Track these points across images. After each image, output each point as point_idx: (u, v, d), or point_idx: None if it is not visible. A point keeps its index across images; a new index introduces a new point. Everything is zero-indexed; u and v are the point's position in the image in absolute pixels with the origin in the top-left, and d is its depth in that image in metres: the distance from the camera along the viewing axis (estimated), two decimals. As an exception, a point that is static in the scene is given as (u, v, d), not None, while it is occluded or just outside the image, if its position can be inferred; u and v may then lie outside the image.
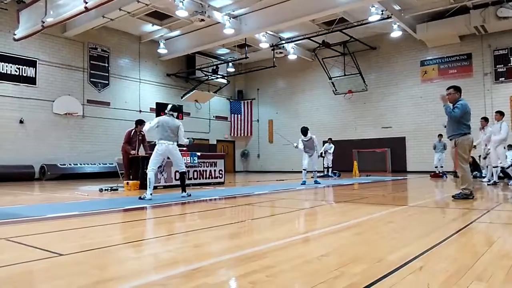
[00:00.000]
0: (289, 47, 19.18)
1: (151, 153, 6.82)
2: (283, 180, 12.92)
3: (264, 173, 20.46)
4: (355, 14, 15.90)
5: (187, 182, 8.77)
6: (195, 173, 10.06)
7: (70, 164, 14.98)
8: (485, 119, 9.92)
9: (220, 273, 2.21)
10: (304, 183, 9.90)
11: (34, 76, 14.76)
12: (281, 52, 19.18)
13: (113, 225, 4.31)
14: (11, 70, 14.15)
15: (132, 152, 9.25)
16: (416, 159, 18.17)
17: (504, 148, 9.15)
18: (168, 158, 7.10)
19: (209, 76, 20.72)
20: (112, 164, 14.02)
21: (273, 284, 1.96)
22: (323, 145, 15.72)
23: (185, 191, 6.73)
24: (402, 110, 18.75)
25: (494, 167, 9.36)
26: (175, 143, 6.72)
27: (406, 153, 18.57)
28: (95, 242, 3.07)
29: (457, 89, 6.00)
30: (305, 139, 10.07)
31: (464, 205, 5.16)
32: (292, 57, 19.93)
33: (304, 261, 2.37)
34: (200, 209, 5.41)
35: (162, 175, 9.07)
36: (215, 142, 22.60)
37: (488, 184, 9.26)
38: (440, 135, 13.88)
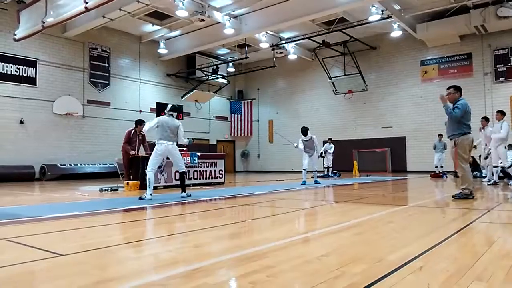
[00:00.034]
0: (289, 47, 19.17)
1: (151, 153, 6.83)
2: (283, 180, 12.92)
3: (264, 173, 20.46)
4: (355, 14, 15.89)
5: (187, 182, 8.79)
6: (195, 173, 10.06)
7: (70, 164, 14.99)
8: (486, 119, 9.91)
9: (220, 273, 2.21)
10: (304, 183, 9.90)
11: (34, 76, 14.77)
12: (281, 52, 19.18)
13: (113, 225, 4.31)
14: (11, 71, 14.16)
15: (132, 152, 9.25)
16: (416, 159, 18.17)
17: (505, 148, 9.14)
18: (168, 158, 7.11)
19: (209, 76, 20.73)
20: (112, 164, 14.03)
21: (273, 284, 1.96)
22: (323, 145, 15.73)
23: (185, 191, 6.73)
24: (402, 110, 18.75)
25: (494, 167, 9.36)
26: (175, 143, 6.72)
27: (406, 153, 18.57)
28: (96, 242, 3.08)
29: (457, 89, 5.99)
30: (305, 139, 10.07)
31: (464, 205, 5.16)
32: (292, 57, 19.93)
33: (304, 261, 2.38)
34: (200, 209, 5.41)
35: (162, 175, 9.07)
36: (215, 142, 22.61)
37: (488, 184, 9.25)
38: (440, 135, 13.88)
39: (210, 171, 10.49)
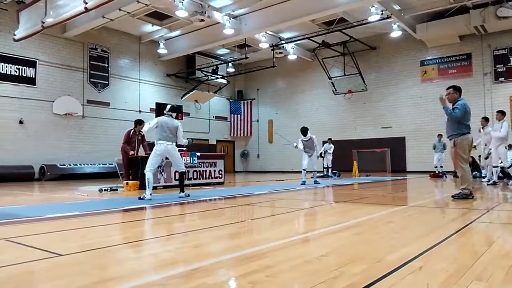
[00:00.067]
0: (289, 47, 19.18)
1: (151, 153, 6.82)
2: (282, 180, 12.92)
3: (263, 173, 20.46)
4: (355, 14, 15.90)
5: (187, 182, 8.79)
6: (195, 173, 10.06)
7: (70, 165, 14.98)
8: (486, 119, 9.92)
9: (219, 273, 2.21)
10: (303, 183, 9.90)
11: (34, 76, 14.76)
12: (281, 52, 19.18)
13: (113, 225, 4.31)
14: (11, 71, 14.15)
15: (131, 152, 9.24)
16: (415, 159, 18.17)
17: (506, 148, 9.15)
18: (167, 158, 7.10)
19: (209, 76, 20.73)
20: (112, 164, 14.03)
21: (273, 284, 1.96)
22: (323, 145, 15.73)
23: (183, 191, 6.72)
24: (402, 110, 18.76)
25: (494, 167, 9.37)
26: (174, 144, 6.72)
27: (406, 153, 18.57)
28: (95, 242, 3.07)
29: (457, 89, 5.99)
30: (305, 139, 10.07)
31: (464, 205, 5.17)
32: (292, 57, 19.94)
33: (304, 261, 2.38)
34: (199, 209, 5.41)
35: (162, 175, 9.07)
36: (214, 142, 22.61)
37: (487, 184, 9.26)
38: (440, 135, 13.88)
39: (210, 171, 10.49)
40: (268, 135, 23.37)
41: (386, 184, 10.65)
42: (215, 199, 6.72)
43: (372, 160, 19.02)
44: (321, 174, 14.74)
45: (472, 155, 9.97)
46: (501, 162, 9.24)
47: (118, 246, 3.07)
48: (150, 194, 6.36)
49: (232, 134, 23.81)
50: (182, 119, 16.74)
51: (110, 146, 15.72)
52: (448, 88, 6.07)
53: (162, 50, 18.48)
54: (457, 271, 2.13)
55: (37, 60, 14.90)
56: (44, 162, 14.47)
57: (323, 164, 16.10)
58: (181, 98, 19.84)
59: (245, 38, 17.29)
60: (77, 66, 16.17)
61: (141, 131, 8.91)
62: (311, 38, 17.88)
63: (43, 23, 11.72)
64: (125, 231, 3.89)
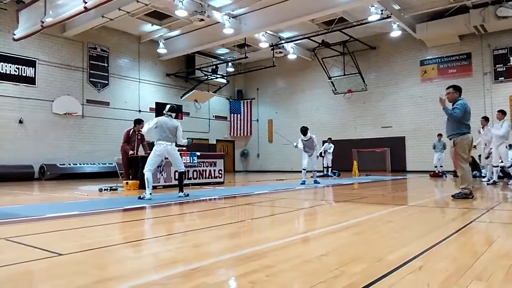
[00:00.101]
0: (289, 46, 19.17)
1: (150, 153, 6.82)
2: (282, 179, 12.92)
3: (263, 173, 20.46)
4: (354, 13, 15.90)
5: (187, 181, 8.79)
6: (195, 172, 10.05)
7: (69, 164, 14.98)
8: (486, 119, 9.92)
9: (219, 273, 2.21)
10: (303, 182, 9.90)
11: (33, 76, 14.76)
12: (280, 52, 19.17)
13: (113, 224, 4.31)
14: (10, 70, 14.14)
15: (131, 152, 9.24)
16: (415, 159, 18.17)
17: (506, 147, 9.16)
18: (167, 158, 7.09)
19: (209, 76, 20.72)
20: (112, 164, 14.02)
21: (273, 283, 1.96)
22: (323, 145, 15.74)
23: (182, 191, 6.71)
24: (401, 109, 18.76)
25: (494, 166, 9.37)
26: (174, 144, 6.72)
27: (406, 153, 18.58)
28: (95, 241, 3.07)
29: (457, 89, 5.99)
30: (305, 139, 10.07)
31: (464, 205, 5.17)
32: (291, 56, 19.93)
33: (304, 261, 2.37)
34: (199, 209, 5.40)
35: (162, 175, 9.07)
36: (214, 142, 22.60)
37: (487, 184, 9.26)
38: (440, 135, 13.88)
39: (210, 170, 10.48)
40: (268, 135, 23.37)
41: (386, 183, 10.66)
42: (215, 199, 6.72)
43: (372, 160, 19.02)
44: (321, 173, 14.73)
45: (472, 154, 9.97)
46: (502, 162, 9.24)
47: (118, 246, 3.07)
48: (150, 194, 6.36)
49: (232, 134, 23.81)
50: (182, 118, 16.76)
51: (110, 145, 15.72)
52: (448, 88, 6.06)
53: (161, 50, 18.47)
54: (457, 270, 2.13)
55: (37, 60, 14.89)
56: (44, 161, 14.46)
57: (323, 164, 16.10)
58: (181, 97, 19.84)
59: (245, 38, 17.28)
60: (76, 66, 16.16)
61: (141, 131, 8.90)
62: (311, 38, 17.87)
63: (43, 22, 11.71)
64: (125, 230, 3.89)
